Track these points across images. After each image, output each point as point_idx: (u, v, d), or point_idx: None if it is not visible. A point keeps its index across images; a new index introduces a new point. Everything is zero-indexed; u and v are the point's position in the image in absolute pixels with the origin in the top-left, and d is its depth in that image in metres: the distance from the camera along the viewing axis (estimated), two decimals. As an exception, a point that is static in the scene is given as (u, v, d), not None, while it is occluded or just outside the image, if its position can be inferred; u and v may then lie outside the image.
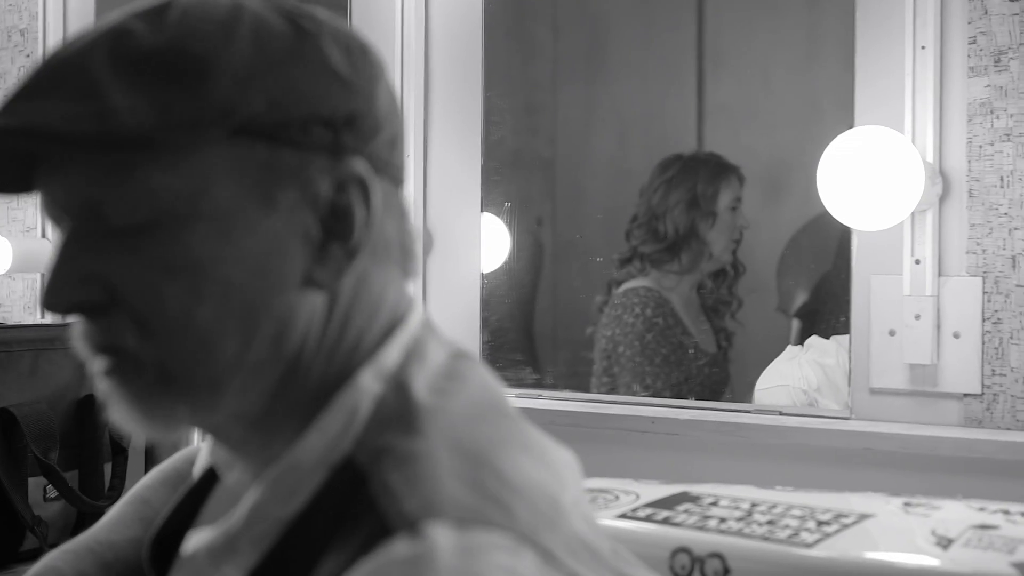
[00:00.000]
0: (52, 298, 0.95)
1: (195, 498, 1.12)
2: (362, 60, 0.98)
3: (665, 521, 1.47)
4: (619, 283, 2.54)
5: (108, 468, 2.21)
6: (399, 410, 0.95)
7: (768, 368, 2.28)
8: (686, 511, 1.49)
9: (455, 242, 2.30)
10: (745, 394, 2.32)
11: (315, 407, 0.98)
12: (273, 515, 0.96)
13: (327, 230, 0.96)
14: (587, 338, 2.54)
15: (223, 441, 1.04)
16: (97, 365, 0.97)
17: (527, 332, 2.66)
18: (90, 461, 2.19)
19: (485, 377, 1.03)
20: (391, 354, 0.98)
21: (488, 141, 2.31)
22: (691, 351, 2.46)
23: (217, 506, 1.08)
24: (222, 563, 0.99)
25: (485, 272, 2.37)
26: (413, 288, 2.07)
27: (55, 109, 0.91)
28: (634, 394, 2.37)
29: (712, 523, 1.45)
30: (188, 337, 0.94)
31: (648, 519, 1.48)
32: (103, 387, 0.98)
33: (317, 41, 0.96)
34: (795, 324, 2.47)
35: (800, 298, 2.51)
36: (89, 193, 0.93)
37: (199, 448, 1.18)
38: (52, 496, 2.10)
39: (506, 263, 2.47)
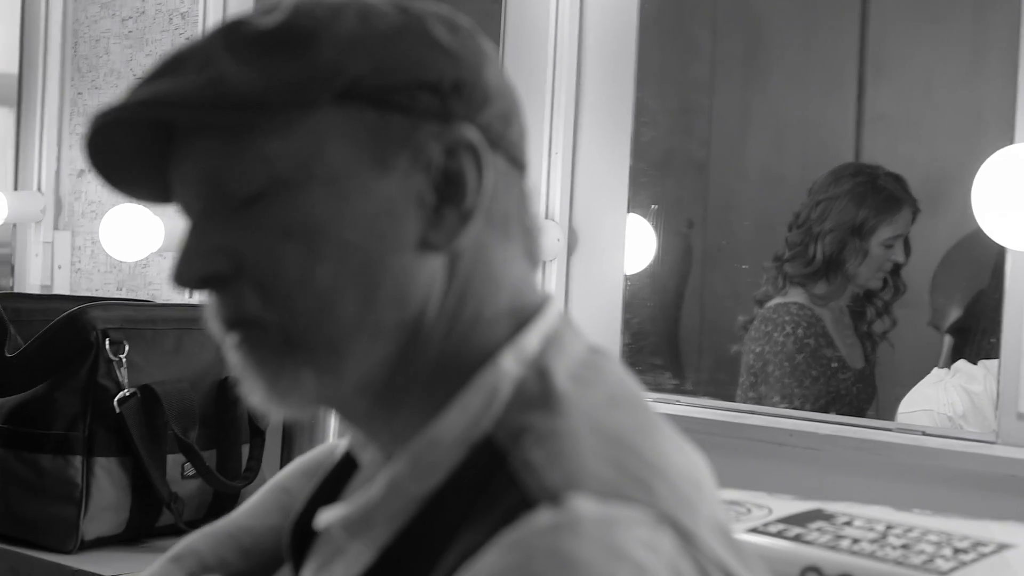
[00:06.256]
0: (181, 271, 1.00)
1: (334, 484, 1.14)
2: (469, 39, 1.02)
3: (796, 538, 1.44)
4: (762, 302, 2.49)
5: (245, 449, 2.24)
6: (540, 393, 0.97)
7: (912, 391, 2.23)
8: (819, 529, 1.46)
9: (600, 242, 2.28)
10: (892, 410, 2.27)
11: (435, 380, 1.00)
12: (410, 492, 0.98)
13: (440, 194, 0.99)
14: (732, 352, 2.51)
15: (350, 418, 1.06)
16: (228, 341, 1.01)
17: (669, 336, 2.63)
18: (228, 442, 2.22)
19: (620, 371, 1.04)
20: (531, 340, 1.00)
21: (638, 142, 2.29)
22: (839, 370, 2.41)
23: (355, 489, 1.10)
24: (356, 537, 1.01)
25: (629, 274, 2.35)
26: (556, 284, 2.05)
27: (175, 83, 0.97)
28: (779, 410, 2.34)
29: (844, 543, 1.42)
30: (308, 298, 0.97)
31: (779, 535, 1.45)
32: (234, 362, 1.01)
33: (422, 19, 1.00)
34: (947, 341, 2.42)
35: (953, 314, 2.46)
36: (212, 168, 0.98)
37: (339, 443, 1.19)
38: (189, 474, 2.14)
39: (650, 266, 2.45)
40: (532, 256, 1.06)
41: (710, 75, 2.90)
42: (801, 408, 2.33)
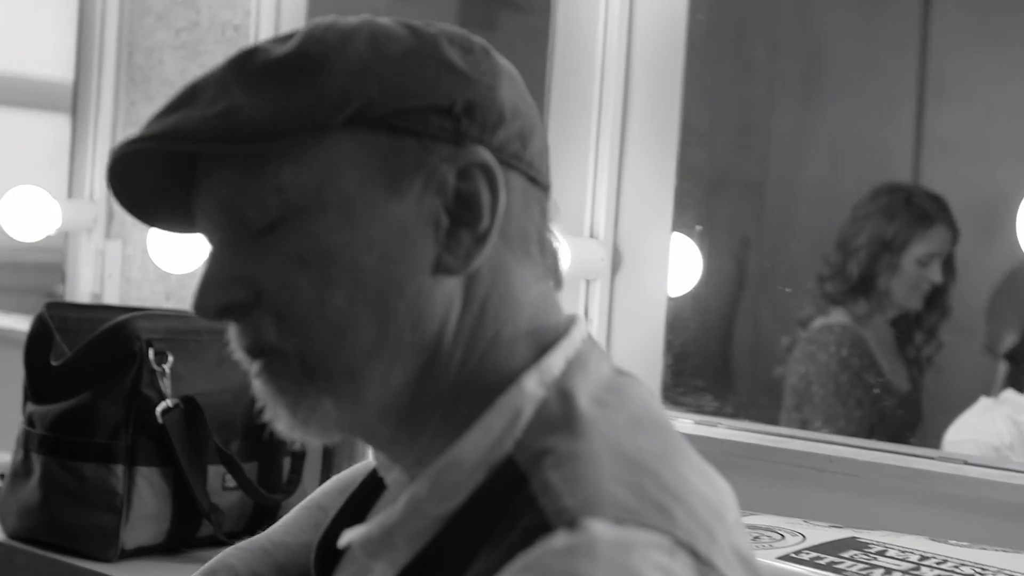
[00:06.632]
0: (201, 301, 1.01)
1: (362, 503, 1.14)
2: (483, 58, 1.02)
3: (828, 567, 1.43)
4: (805, 323, 2.48)
5: (287, 462, 2.23)
6: (562, 415, 0.97)
7: (959, 420, 2.20)
8: (851, 558, 1.45)
9: (644, 262, 2.27)
10: (938, 436, 2.25)
11: (456, 402, 1.00)
12: (431, 512, 0.98)
13: (455, 217, 0.99)
14: (776, 376, 2.49)
15: (374, 443, 1.07)
16: (252, 369, 1.02)
17: (713, 358, 2.61)
18: (269, 454, 2.22)
19: (645, 394, 1.04)
20: (555, 361, 1.00)
21: (686, 162, 2.27)
22: (883, 392, 2.39)
23: (380, 510, 1.11)
24: (377, 557, 1.02)
25: (675, 294, 2.33)
26: (599, 304, 2.03)
27: (188, 115, 0.98)
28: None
29: (877, 573, 1.41)
30: (323, 325, 0.98)
31: (811, 563, 1.44)
32: (257, 389, 1.02)
33: (434, 40, 1.00)
34: (1003, 366, 2.39)
35: (1009, 340, 2.43)
36: (229, 197, 0.99)
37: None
38: (230, 486, 2.13)
39: (696, 287, 2.43)
40: (554, 275, 1.07)
41: (768, 94, 2.88)
42: (844, 430, 2.31)
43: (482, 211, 0.99)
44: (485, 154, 0.99)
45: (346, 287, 0.97)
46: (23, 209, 2.88)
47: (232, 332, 1.02)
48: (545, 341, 1.02)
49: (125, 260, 2.97)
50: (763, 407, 2.45)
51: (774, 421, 2.37)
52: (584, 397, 0.98)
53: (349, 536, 1.05)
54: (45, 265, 3.17)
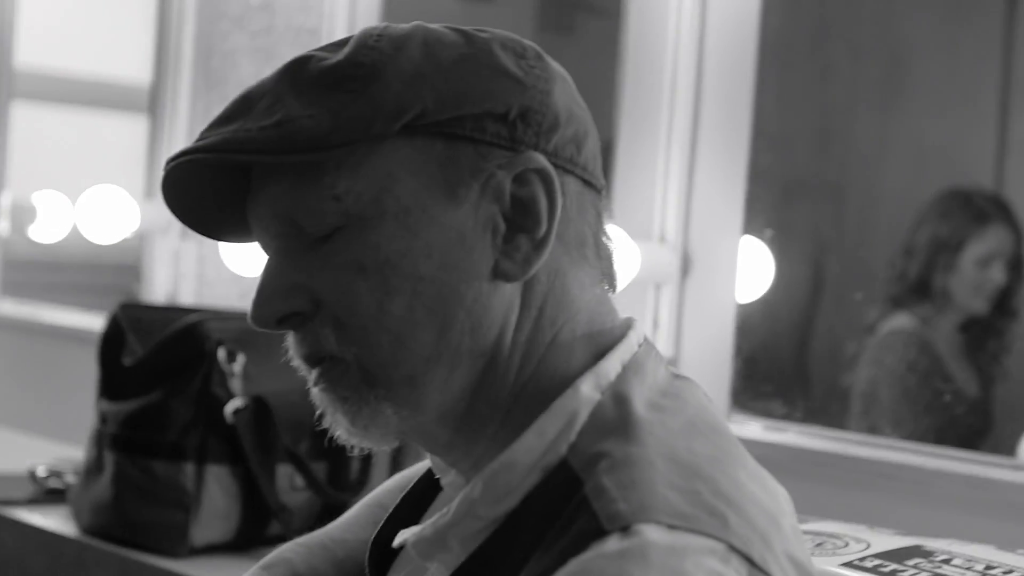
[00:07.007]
0: (259, 311, 1.01)
1: (418, 503, 1.14)
2: (537, 63, 1.02)
3: (892, 575, 1.41)
4: (871, 327, 2.45)
5: (355, 462, 2.24)
6: (617, 420, 0.97)
7: (1033, 428, 2.17)
8: (916, 566, 1.43)
9: (715, 266, 2.26)
10: (1010, 443, 2.22)
11: (514, 406, 1.01)
12: (485, 514, 0.98)
13: (512, 223, 0.99)
14: (845, 383, 2.47)
15: (432, 447, 1.07)
16: (311, 378, 1.02)
17: (782, 364, 2.59)
18: (338, 453, 2.23)
19: (702, 398, 1.04)
20: (611, 365, 1.00)
21: (760, 165, 2.26)
22: (953, 397, 2.36)
23: (435, 511, 1.11)
24: (430, 557, 1.03)
25: (748, 299, 2.31)
26: (668, 308, 2.02)
27: (243, 126, 0.98)
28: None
29: (941, 582, 1.39)
30: (383, 332, 0.98)
31: (874, 570, 1.42)
32: (316, 398, 1.02)
33: (487, 46, 1.00)
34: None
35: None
36: (285, 207, 0.99)
37: None
38: (299, 485, 2.15)
39: (769, 291, 2.42)
40: (609, 278, 1.06)
41: (847, 98, 2.86)
42: (912, 435, 2.28)
43: (540, 216, 0.99)
44: (541, 159, 0.99)
45: (405, 295, 0.97)
46: (102, 208, 2.91)
47: (290, 341, 1.03)
48: (602, 345, 1.02)
49: (200, 260, 2.99)
50: (832, 413, 2.43)
51: (843, 428, 2.35)
52: (640, 401, 0.98)
53: (403, 536, 1.05)
54: (122, 265, 3.21)
